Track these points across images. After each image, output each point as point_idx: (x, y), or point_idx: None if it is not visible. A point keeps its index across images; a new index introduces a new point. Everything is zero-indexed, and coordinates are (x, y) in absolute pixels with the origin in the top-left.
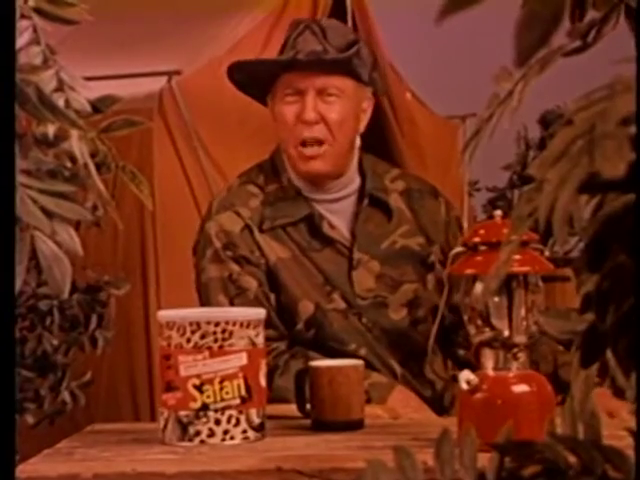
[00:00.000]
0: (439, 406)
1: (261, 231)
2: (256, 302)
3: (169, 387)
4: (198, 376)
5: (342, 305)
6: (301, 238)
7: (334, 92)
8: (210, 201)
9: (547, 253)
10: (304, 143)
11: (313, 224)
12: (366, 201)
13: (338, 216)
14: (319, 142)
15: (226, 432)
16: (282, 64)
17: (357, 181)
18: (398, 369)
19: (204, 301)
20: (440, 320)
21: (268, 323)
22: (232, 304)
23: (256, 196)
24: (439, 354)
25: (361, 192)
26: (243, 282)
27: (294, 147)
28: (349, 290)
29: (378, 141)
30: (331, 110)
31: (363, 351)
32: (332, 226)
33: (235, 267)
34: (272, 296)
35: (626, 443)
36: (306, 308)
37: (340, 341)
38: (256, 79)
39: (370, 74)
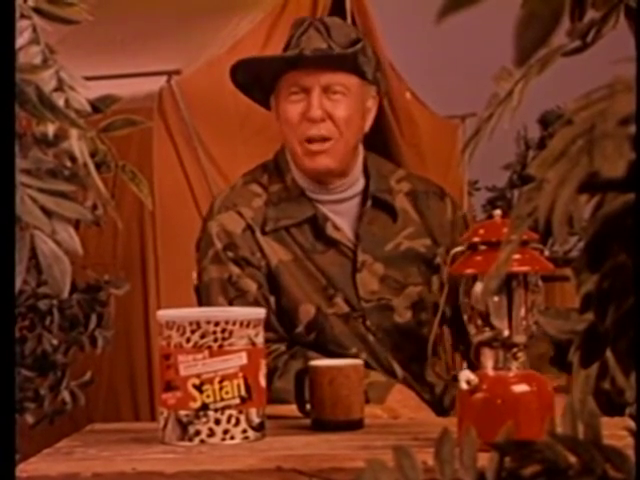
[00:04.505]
0: (439, 409)
1: (264, 233)
2: (255, 305)
3: (169, 387)
4: (198, 376)
5: (344, 308)
6: (304, 240)
7: (340, 89)
8: (212, 199)
9: (547, 253)
10: (310, 140)
11: (317, 225)
12: (369, 203)
13: (342, 217)
14: (325, 139)
15: (226, 432)
16: (287, 61)
17: (362, 182)
18: (399, 372)
19: (204, 301)
20: (443, 319)
21: (267, 326)
22: (231, 306)
23: (259, 196)
24: (448, 354)
25: (365, 193)
26: (243, 284)
27: (299, 144)
28: (353, 293)
29: (378, 141)
30: (337, 107)
31: (364, 355)
32: (336, 227)
33: (235, 269)
34: (272, 299)
35: (626, 443)
36: (307, 312)
37: (341, 345)
38: (259, 78)
39: (374, 73)
